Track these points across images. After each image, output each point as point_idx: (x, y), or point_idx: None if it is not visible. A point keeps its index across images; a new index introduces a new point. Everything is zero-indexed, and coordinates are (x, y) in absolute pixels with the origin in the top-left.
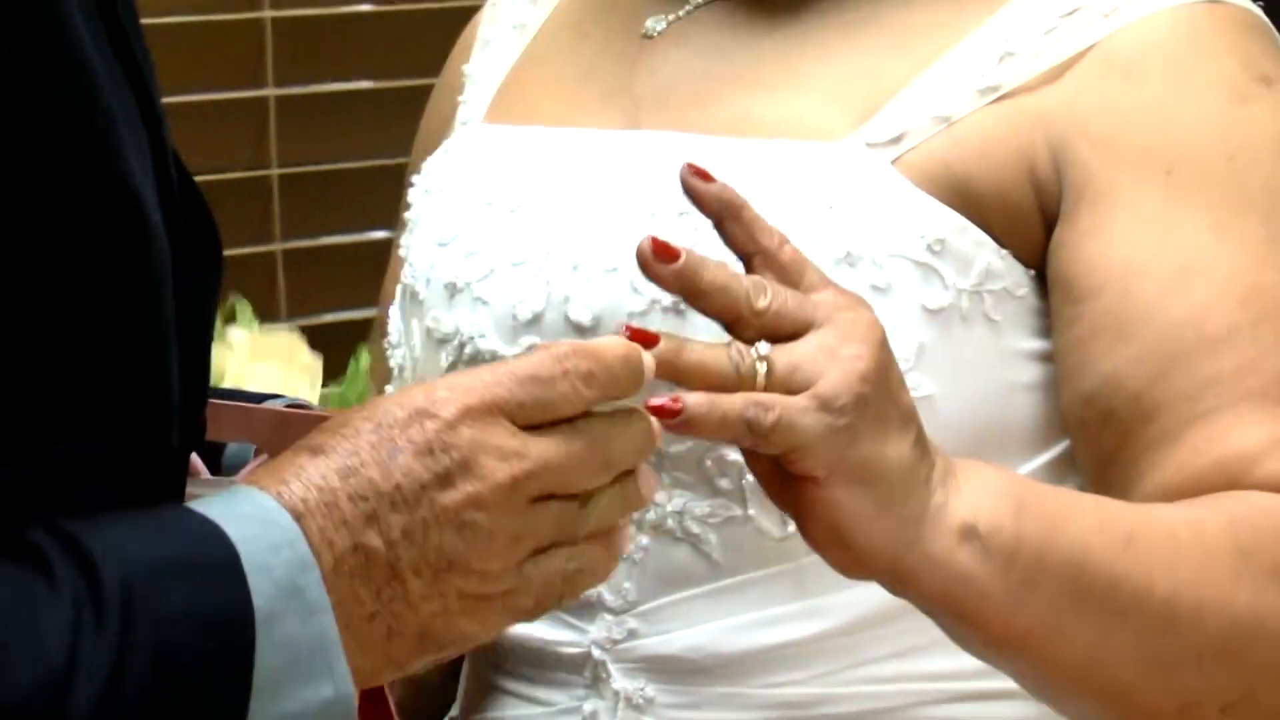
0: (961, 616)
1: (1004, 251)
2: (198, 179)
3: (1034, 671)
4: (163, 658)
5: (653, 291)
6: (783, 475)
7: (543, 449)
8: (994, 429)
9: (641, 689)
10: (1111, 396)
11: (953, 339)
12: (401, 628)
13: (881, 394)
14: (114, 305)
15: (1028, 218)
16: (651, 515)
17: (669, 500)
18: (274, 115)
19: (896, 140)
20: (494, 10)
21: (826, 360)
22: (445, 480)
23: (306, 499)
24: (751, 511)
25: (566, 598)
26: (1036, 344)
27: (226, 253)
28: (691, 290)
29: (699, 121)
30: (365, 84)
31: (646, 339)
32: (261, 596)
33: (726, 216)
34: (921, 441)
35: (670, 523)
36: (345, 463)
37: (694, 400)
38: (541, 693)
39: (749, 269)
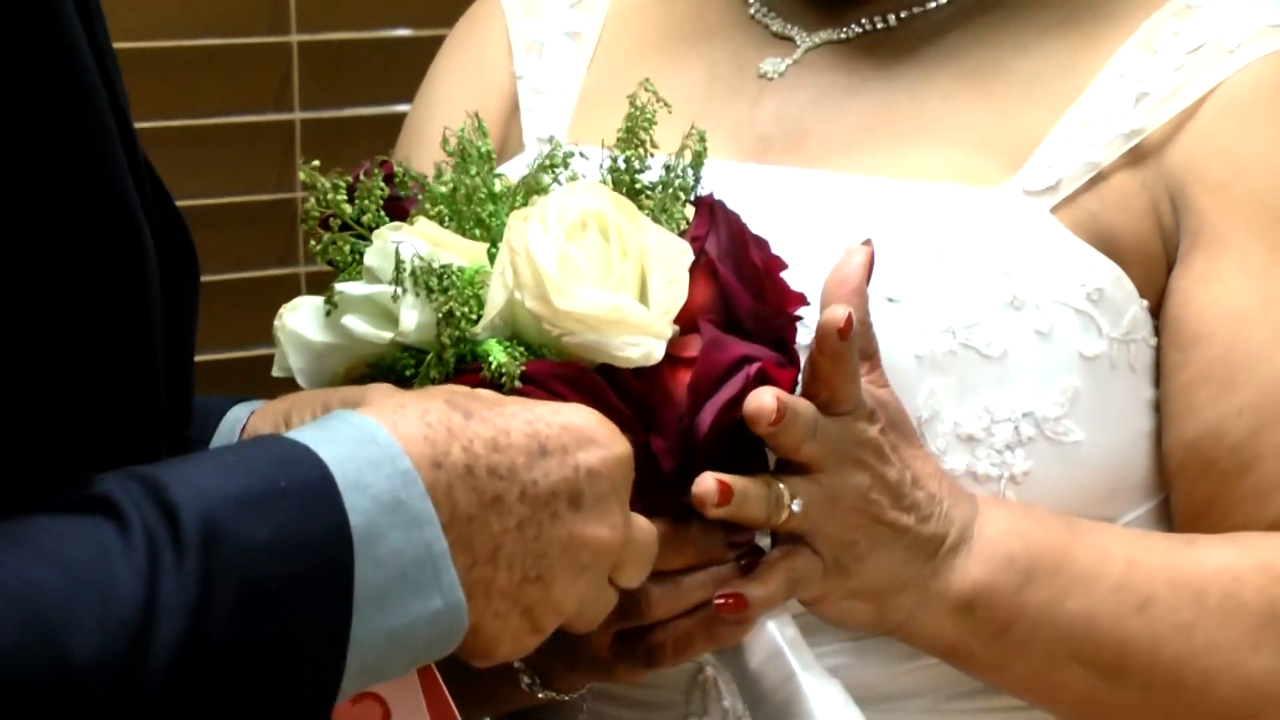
0: (953, 663)
1: (1143, 301)
2: (225, 201)
3: (1035, 704)
4: (250, 587)
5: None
6: None
7: (641, 528)
8: (1127, 476)
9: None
10: (1213, 446)
11: (1102, 387)
12: (469, 609)
13: (873, 525)
14: (109, 320)
15: (1158, 267)
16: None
17: None
18: (300, 139)
19: (1053, 188)
20: (522, 3)
21: (827, 513)
22: (575, 502)
23: (451, 452)
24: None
25: None
26: (1156, 392)
27: (253, 274)
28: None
29: (843, 166)
30: (394, 108)
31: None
32: (359, 514)
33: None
34: (919, 538)
35: None
36: (495, 437)
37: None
38: (638, 715)
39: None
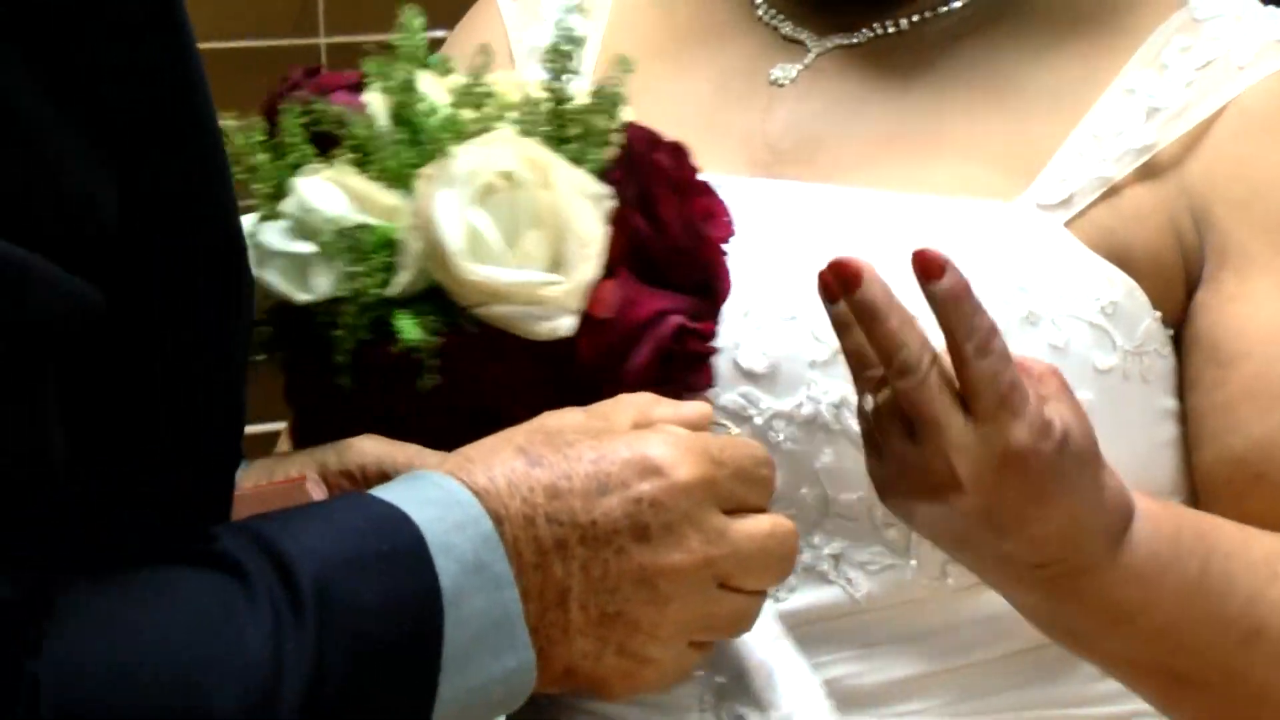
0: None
1: (1156, 313)
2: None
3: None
4: (359, 648)
5: (835, 340)
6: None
7: (740, 539)
8: (1143, 486)
9: None
10: (1261, 460)
11: (1115, 399)
12: (552, 654)
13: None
14: (214, 349)
15: (1175, 281)
16: (806, 557)
17: (828, 543)
18: None
19: (1066, 203)
20: (520, 9)
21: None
22: (642, 535)
23: (510, 505)
24: (913, 561)
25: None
26: (1174, 403)
27: None
28: (867, 314)
29: (857, 179)
30: None
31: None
32: (447, 576)
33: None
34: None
35: (824, 565)
36: (556, 482)
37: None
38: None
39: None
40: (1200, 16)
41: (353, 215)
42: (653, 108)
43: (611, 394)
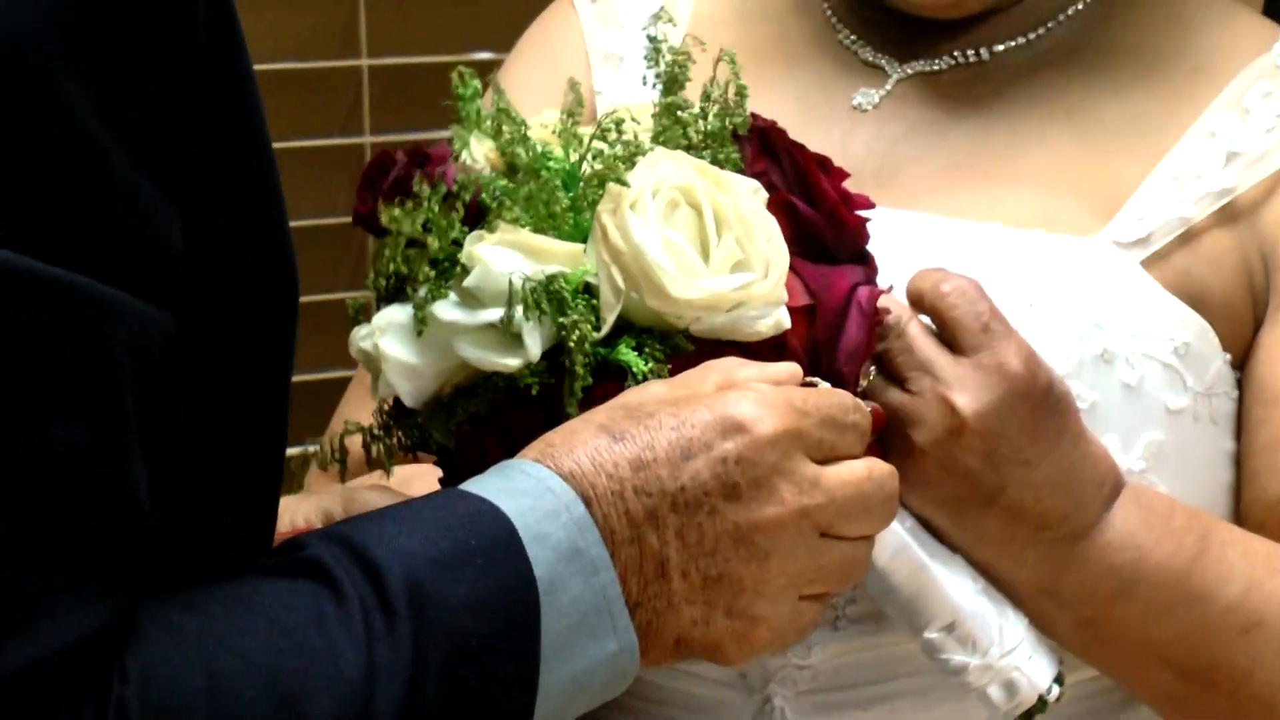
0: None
1: (1226, 355)
2: (297, 224)
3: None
4: (456, 647)
5: None
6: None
7: (835, 485)
8: None
9: None
10: None
11: (1184, 440)
12: (660, 626)
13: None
14: (268, 375)
15: (1244, 323)
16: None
17: None
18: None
19: (1144, 241)
20: (600, 13)
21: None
22: (732, 493)
23: (596, 484)
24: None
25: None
26: (1235, 445)
27: (322, 297)
28: None
29: (936, 205)
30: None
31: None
32: (542, 565)
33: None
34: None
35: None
36: (640, 455)
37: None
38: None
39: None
40: None
41: (542, 269)
42: None
43: (831, 381)
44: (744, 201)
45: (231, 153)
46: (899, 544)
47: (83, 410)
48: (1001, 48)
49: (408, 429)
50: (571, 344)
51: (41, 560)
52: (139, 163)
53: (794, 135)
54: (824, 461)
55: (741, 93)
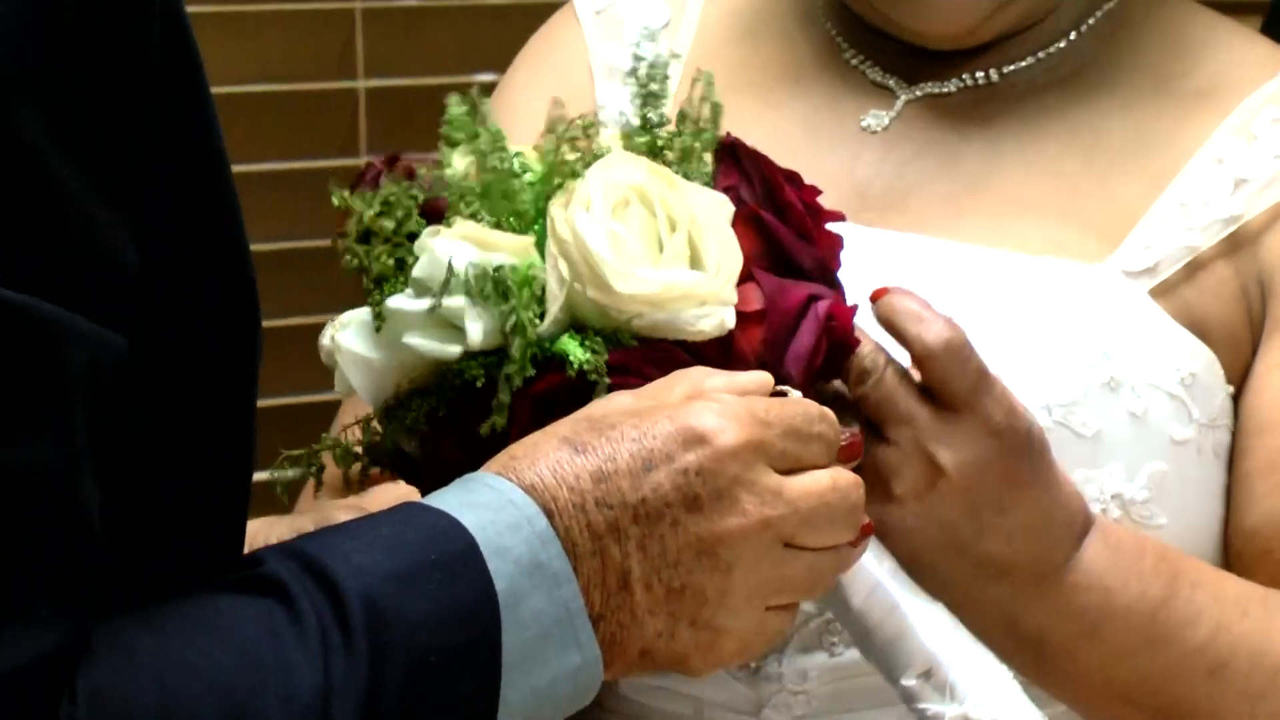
0: None
1: (1229, 388)
2: (289, 246)
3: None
4: (414, 662)
5: None
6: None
7: (798, 495)
8: (1204, 560)
9: None
10: (1271, 536)
11: (1186, 472)
12: (624, 638)
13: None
14: (229, 394)
15: (1244, 355)
16: None
17: None
18: None
19: (1151, 270)
20: (604, 25)
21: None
22: (693, 505)
23: (558, 497)
24: None
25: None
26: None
27: (319, 319)
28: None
29: (945, 230)
30: None
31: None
32: (503, 579)
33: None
34: (986, 558)
35: None
36: (601, 466)
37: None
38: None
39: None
40: None
41: (491, 258)
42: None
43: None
44: (697, 204)
45: (187, 172)
46: (873, 584)
47: (32, 431)
48: (1011, 69)
49: (377, 447)
50: (510, 330)
51: None
52: (93, 185)
53: (801, 155)
54: (788, 472)
55: (715, 111)
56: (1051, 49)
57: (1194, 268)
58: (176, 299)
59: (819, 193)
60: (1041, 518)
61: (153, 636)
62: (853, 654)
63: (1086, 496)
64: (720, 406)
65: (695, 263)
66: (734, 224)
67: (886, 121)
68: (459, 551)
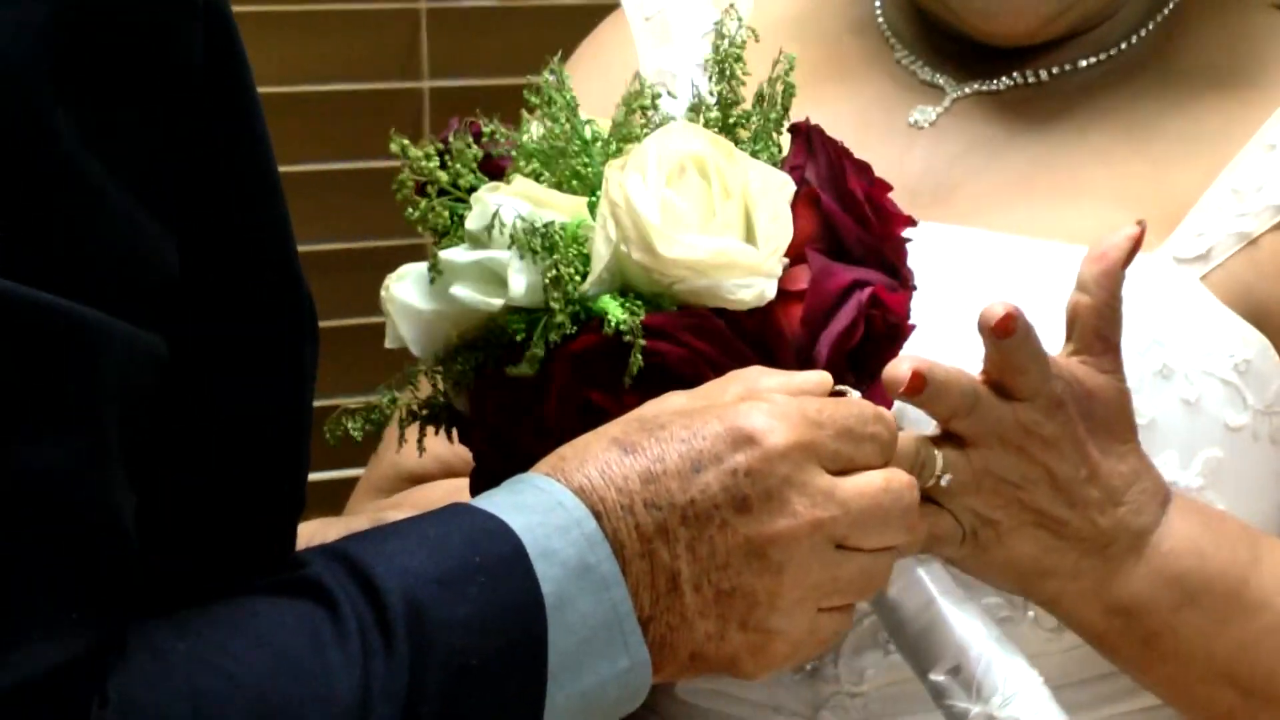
0: (1098, 650)
1: None
2: (357, 246)
3: (1175, 707)
4: (457, 666)
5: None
6: None
7: (850, 496)
8: None
9: None
10: None
11: (1243, 458)
12: (674, 641)
13: (1020, 510)
14: (276, 393)
15: None
16: None
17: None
18: None
19: (1204, 257)
20: (654, 30)
21: (969, 487)
22: (742, 506)
23: (605, 498)
24: (1030, 614)
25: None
26: None
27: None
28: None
29: (994, 222)
30: None
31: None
32: (550, 583)
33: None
34: (1080, 532)
35: None
36: (650, 468)
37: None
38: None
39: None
40: None
41: (542, 214)
42: None
43: (802, 367)
44: (755, 178)
45: (230, 173)
46: (910, 577)
47: (63, 434)
48: (1059, 70)
49: (431, 402)
50: (550, 282)
51: (20, 585)
52: (133, 187)
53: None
54: (841, 473)
55: (788, 91)
56: (1105, 54)
57: (1252, 252)
58: (219, 302)
59: (889, 188)
60: (1133, 474)
61: (186, 640)
62: None
63: None
64: (770, 407)
65: (747, 234)
66: (795, 204)
67: (934, 116)
68: (505, 554)
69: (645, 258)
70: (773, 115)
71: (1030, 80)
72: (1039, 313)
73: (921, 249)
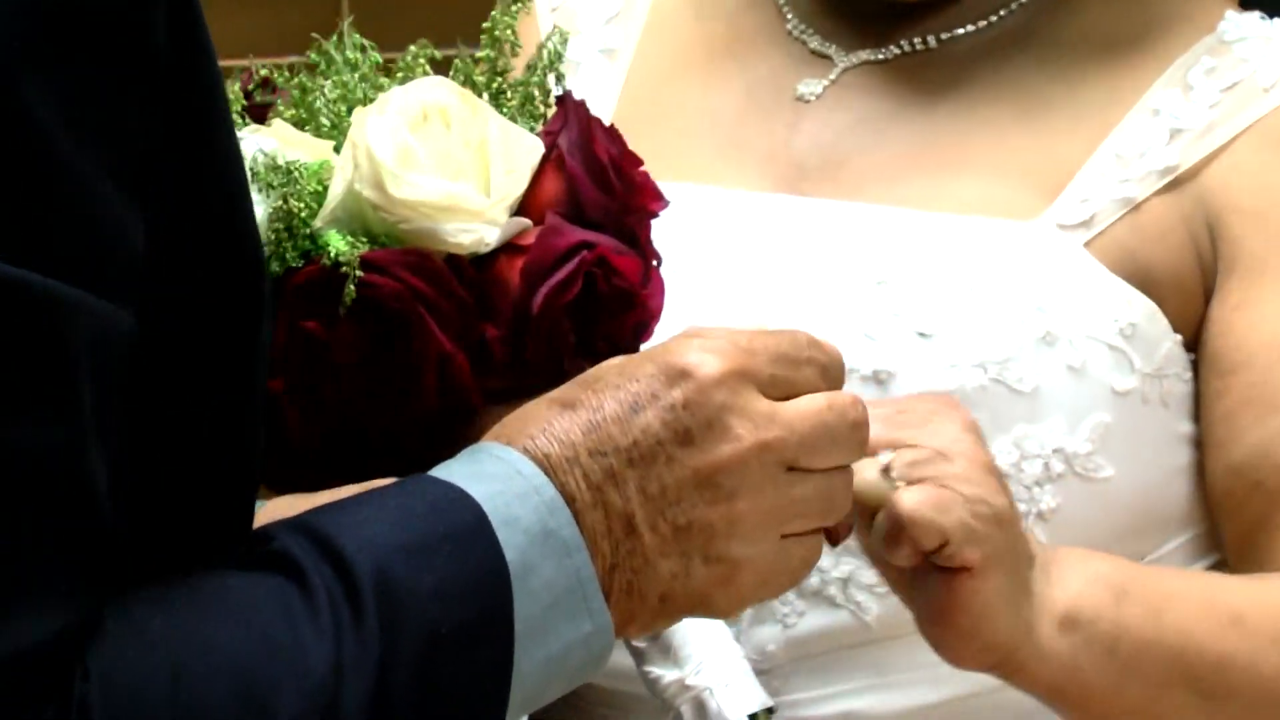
0: (1065, 702)
1: (1177, 337)
2: None
3: None
4: (427, 635)
5: (850, 360)
6: (918, 574)
7: (793, 417)
8: (1156, 511)
9: None
10: (1258, 467)
11: (1133, 422)
12: (641, 585)
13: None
14: (234, 372)
15: (1195, 300)
16: (814, 581)
17: (835, 567)
18: None
19: (1087, 223)
20: (559, 21)
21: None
22: (685, 439)
23: (550, 454)
24: None
25: (797, 584)
26: (1192, 427)
27: None
28: None
29: (881, 195)
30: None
31: None
32: (513, 549)
33: None
34: (1018, 538)
35: (833, 589)
36: (590, 418)
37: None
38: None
39: None
40: (1229, 39)
41: (286, 152)
42: (681, 122)
43: (532, 326)
44: (495, 131)
45: (194, 152)
46: None
47: (38, 409)
48: (948, 36)
49: None
50: (280, 215)
51: (2, 561)
52: (101, 164)
53: (739, 129)
54: (783, 399)
55: (553, 60)
56: (994, 17)
57: (1135, 217)
58: (182, 280)
59: (639, 162)
60: None
61: (164, 614)
62: (808, 624)
63: (1027, 452)
64: (702, 341)
65: (483, 187)
66: (544, 167)
67: (820, 90)
68: (469, 523)
69: (375, 195)
70: (534, 79)
71: (918, 48)
72: (921, 284)
73: (805, 226)
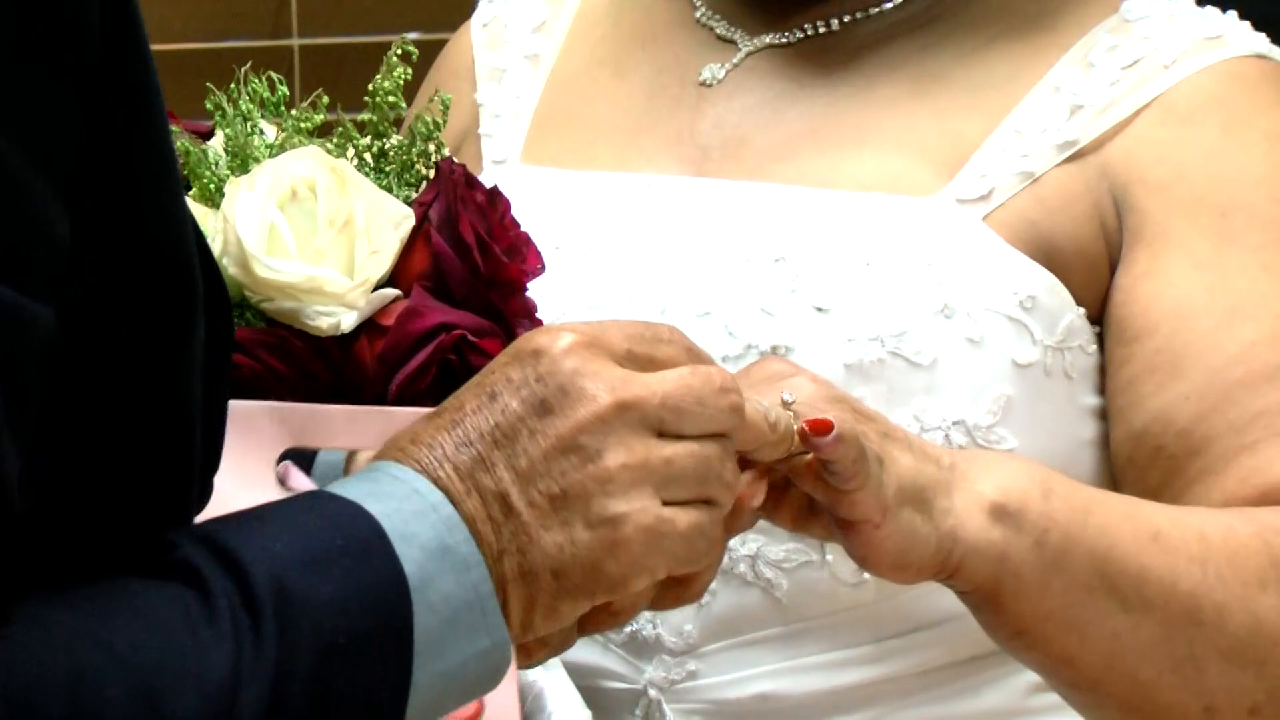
0: (996, 599)
1: (1080, 309)
2: None
3: (1058, 664)
4: (324, 645)
5: (748, 335)
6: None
7: (652, 379)
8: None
9: None
10: (1161, 433)
11: (1036, 394)
12: (532, 564)
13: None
14: (162, 374)
15: (1101, 272)
16: (724, 561)
17: (742, 544)
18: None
19: (985, 197)
20: (489, 34)
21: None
22: (543, 409)
23: (420, 458)
24: (829, 557)
25: (694, 560)
26: (1098, 400)
27: None
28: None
29: (782, 174)
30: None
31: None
32: (412, 564)
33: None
34: (922, 447)
35: (742, 567)
36: (453, 417)
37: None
38: None
39: None
40: (1131, 17)
41: None
42: (594, 114)
43: (389, 404)
44: (365, 210)
45: (127, 143)
46: None
47: None
48: (851, 19)
49: None
50: None
51: None
52: (27, 154)
53: (645, 117)
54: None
55: (432, 130)
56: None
57: (1036, 189)
58: (109, 274)
59: (516, 227)
60: None
61: (66, 613)
62: (722, 603)
63: (926, 425)
64: (555, 328)
65: (349, 264)
66: (415, 238)
67: (722, 74)
68: (367, 537)
69: (240, 274)
70: (415, 148)
71: (821, 30)
72: (819, 261)
73: (705, 207)
